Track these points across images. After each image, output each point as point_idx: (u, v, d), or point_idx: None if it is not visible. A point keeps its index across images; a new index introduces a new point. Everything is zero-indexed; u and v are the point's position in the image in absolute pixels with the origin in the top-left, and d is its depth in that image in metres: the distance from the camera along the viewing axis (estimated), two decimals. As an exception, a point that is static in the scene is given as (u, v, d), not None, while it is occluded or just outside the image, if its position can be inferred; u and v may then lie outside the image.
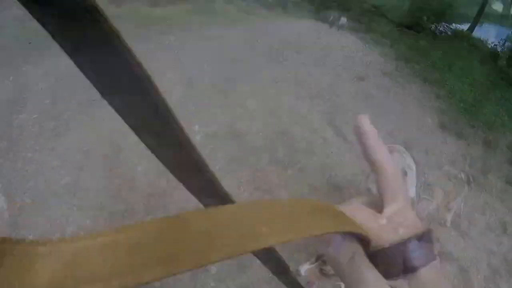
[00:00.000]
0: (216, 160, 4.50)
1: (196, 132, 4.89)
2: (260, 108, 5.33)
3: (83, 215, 4.02)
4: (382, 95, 6.10)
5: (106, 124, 5.05)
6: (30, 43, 6.81)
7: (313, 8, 9.63)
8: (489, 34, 13.76)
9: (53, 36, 0.26)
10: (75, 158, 4.62)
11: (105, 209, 4.02)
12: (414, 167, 3.12)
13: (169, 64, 6.16)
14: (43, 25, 0.25)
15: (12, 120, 5.33)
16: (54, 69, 6.39)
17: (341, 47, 7.43)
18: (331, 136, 5.07)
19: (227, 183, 4.13)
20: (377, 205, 0.51)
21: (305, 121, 5.25)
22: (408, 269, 0.44)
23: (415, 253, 0.45)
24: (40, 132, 5.07)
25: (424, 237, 0.46)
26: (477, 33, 13.98)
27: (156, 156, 0.38)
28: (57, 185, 4.34)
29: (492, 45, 12.47)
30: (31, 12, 0.24)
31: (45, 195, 4.22)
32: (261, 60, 6.61)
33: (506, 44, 12.08)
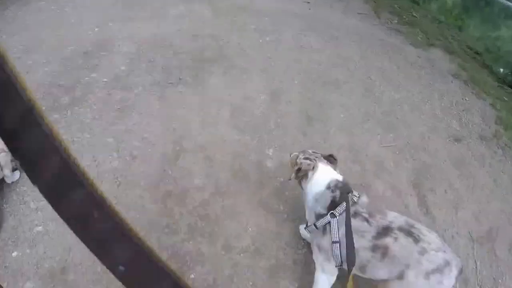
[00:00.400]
0: (280, 201, 3.97)
1: (269, 156, 4.42)
2: (345, 146, 4.82)
3: (121, 212, 3.65)
4: (476, 164, 5.44)
5: (175, 115, 4.78)
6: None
7: (417, 43, 8.92)
8: None
9: None
10: (131, 143, 4.35)
11: (145, 214, 3.69)
12: None
13: (259, 66, 5.72)
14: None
15: (83, 75, 5.19)
16: (137, 35, 6.12)
17: (441, 94, 6.78)
18: (413, 203, 4.49)
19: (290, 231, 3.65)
20: None
21: (390, 176, 4.70)
22: None
23: None
24: (105, 100, 4.87)
25: None
26: None
27: None
28: (103, 167, 4.05)
29: None
30: None
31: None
32: (356, 89, 6.08)
33: None
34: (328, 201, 2.81)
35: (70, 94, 4.86)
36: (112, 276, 0.58)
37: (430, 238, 2.54)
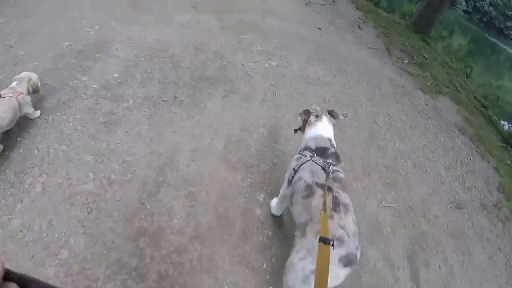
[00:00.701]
0: (265, 259, 3.62)
1: (259, 203, 4.12)
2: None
3: (87, 244, 3.28)
4: (474, 238, 5.15)
5: (164, 139, 4.37)
6: None
7: (426, 88, 8.63)
8: None
9: None
10: (111, 164, 3.92)
11: (113, 250, 3.29)
12: None
13: (262, 94, 5.58)
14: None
15: (73, 76, 4.79)
16: (138, 40, 5.79)
17: (446, 150, 6.58)
18: (405, 277, 4.13)
19: None
20: None
21: (385, 244, 4.34)
22: None
23: None
24: (91, 109, 4.43)
25: None
26: None
27: None
28: (76, 188, 3.66)
29: None
30: None
31: (47, 202, 3.49)
32: (361, 135, 5.73)
33: None
34: (320, 145, 3.29)
35: (56, 96, 4.42)
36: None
37: (348, 225, 2.63)
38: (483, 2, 36.13)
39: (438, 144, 6.60)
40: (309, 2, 10.87)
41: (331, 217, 2.59)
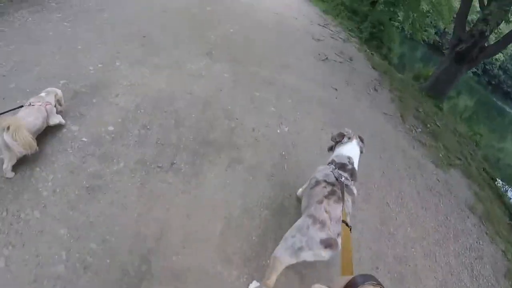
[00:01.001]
0: None
1: None
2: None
3: None
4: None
5: (154, 216, 3.98)
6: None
7: (438, 160, 8.45)
8: None
9: None
10: (88, 244, 3.55)
11: None
12: None
13: (270, 168, 5.32)
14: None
15: (65, 124, 4.44)
16: (142, 86, 5.51)
17: (456, 234, 6.31)
18: None
19: None
20: None
21: None
22: None
23: None
24: (75, 168, 4.10)
25: None
26: None
27: None
28: (44, 269, 3.17)
29: None
30: None
31: (9, 283, 3.00)
32: (371, 219, 5.42)
33: None
34: (342, 161, 3.86)
35: (39, 146, 3.88)
36: None
37: (334, 211, 3.17)
38: (493, 66, 36.55)
39: (448, 227, 6.35)
40: (327, 58, 10.84)
41: (321, 202, 3.21)
